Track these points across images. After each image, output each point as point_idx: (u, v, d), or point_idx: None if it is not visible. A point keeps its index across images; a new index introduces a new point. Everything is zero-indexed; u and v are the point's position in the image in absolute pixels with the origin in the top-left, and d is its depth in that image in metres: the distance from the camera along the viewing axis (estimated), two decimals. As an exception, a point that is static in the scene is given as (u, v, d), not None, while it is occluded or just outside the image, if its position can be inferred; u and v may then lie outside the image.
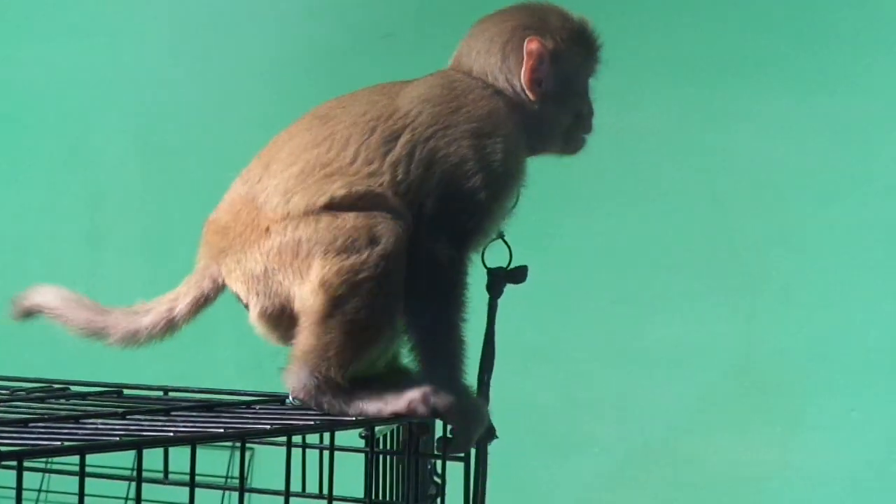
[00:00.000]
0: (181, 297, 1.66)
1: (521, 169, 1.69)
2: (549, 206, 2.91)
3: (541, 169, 2.89)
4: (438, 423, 1.63)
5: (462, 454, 1.61)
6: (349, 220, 1.56)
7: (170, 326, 1.66)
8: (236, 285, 1.63)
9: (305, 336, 1.56)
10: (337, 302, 1.54)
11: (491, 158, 1.63)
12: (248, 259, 1.61)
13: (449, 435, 1.60)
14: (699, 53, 2.88)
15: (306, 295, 1.56)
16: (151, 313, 1.67)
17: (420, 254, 1.58)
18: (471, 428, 1.59)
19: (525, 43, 1.68)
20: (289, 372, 1.56)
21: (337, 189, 1.59)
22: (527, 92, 1.69)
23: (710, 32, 2.87)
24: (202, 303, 1.66)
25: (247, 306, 1.64)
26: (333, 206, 1.58)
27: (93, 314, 1.70)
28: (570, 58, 1.72)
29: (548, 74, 1.69)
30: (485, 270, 1.71)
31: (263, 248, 1.60)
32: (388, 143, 1.61)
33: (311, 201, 1.58)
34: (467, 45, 1.73)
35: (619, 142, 2.89)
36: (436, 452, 1.63)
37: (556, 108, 1.72)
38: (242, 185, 1.66)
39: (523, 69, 1.68)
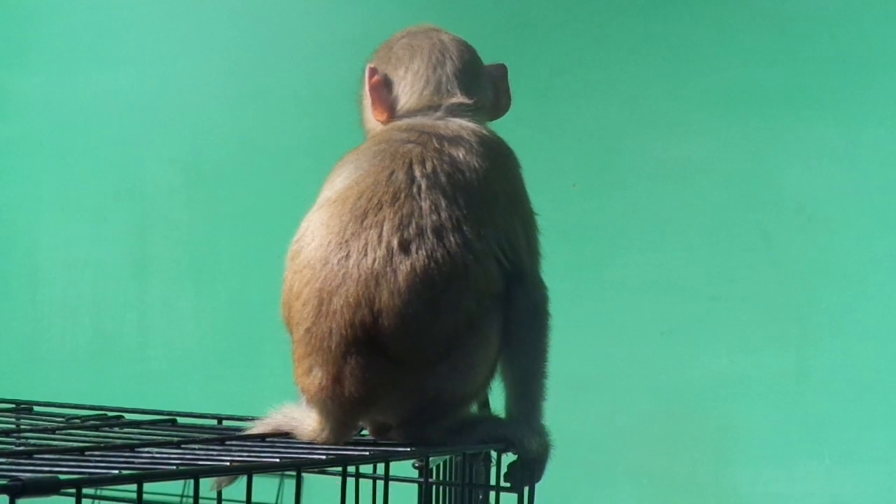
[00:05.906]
0: None
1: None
2: (598, 239, 2.92)
3: (589, 202, 2.92)
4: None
5: (511, 484, 1.64)
6: None
7: None
8: None
9: None
10: None
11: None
12: None
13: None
14: (745, 85, 2.87)
15: None
16: None
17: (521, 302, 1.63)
18: (544, 464, 1.65)
19: None
20: None
21: None
22: None
23: (757, 64, 2.87)
24: None
25: None
26: None
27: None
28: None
29: None
30: None
31: None
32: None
33: None
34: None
35: (667, 174, 2.89)
36: (503, 483, 1.65)
37: None
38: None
39: None
